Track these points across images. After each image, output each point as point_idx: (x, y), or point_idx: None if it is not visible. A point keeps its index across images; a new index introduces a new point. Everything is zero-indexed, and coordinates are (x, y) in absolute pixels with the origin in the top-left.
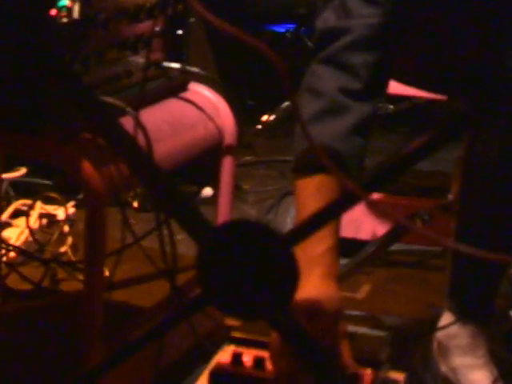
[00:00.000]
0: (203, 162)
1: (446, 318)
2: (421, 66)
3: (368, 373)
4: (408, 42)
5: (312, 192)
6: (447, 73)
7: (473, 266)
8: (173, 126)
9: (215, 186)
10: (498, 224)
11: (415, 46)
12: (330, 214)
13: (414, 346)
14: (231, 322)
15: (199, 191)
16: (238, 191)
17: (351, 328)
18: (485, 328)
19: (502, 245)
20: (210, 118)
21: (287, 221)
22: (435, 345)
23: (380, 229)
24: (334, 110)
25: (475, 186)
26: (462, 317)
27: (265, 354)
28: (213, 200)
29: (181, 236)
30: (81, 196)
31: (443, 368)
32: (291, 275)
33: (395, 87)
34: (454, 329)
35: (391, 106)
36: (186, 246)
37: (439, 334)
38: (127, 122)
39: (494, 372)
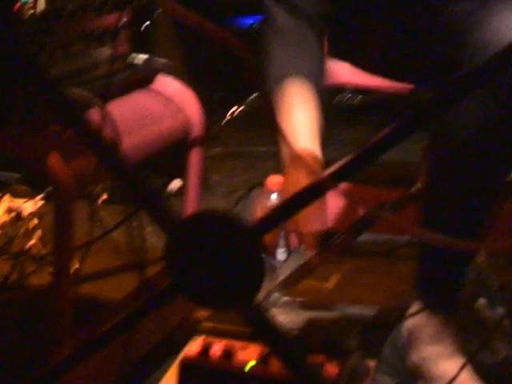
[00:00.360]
0: (171, 153)
1: (415, 308)
2: (384, 53)
3: (335, 362)
4: (371, 28)
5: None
6: (410, 60)
7: (439, 255)
8: (140, 118)
9: (184, 178)
10: (464, 212)
11: (378, 33)
12: (297, 205)
13: (383, 335)
14: (201, 312)
15: (168, 183)
16: (206, 183)
17: (321, 317)
18: (453, 317)
19: (469, 233)
20: (178, 110)
21: (256, 212)
22: (405, 334)
23: (349, 219)
24: (291, 40)
25: (441, 173)
26: (431, 306)
27: (235, 343)
28: (181, 192)
29: (150, 228)
30: (49, 189)
31: (413, 357)
32: (259, 265)
33: (363, 79)
34: (423, 319)
35: (359, 96)
36: (155, 238)
37: (409, 324)
38: (94, 114)
39: (463, 360)
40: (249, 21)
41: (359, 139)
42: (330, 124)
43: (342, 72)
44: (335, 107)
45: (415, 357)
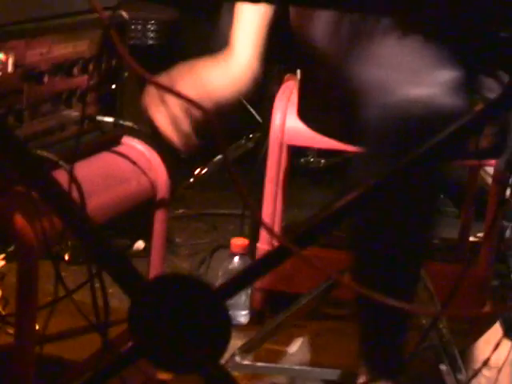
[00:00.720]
0: (136, 214)
1: (362, 376)
2: (333, 117)
3: None
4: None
5: None
6: (349, 123)
7: (375, 319)
8: (106, 180)
9: (147, 239)
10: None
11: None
12: (261, 269)
13: None
14: (163, 376)
15: (132, 244)
16: (170, 244)
17: (283, 381)
18: (398, 381)
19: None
20: (143, 172)
21: (219, 274)
22: None
23: (312, 282)
24: None
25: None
26: (374, 372)
27: None
28: (145, 253)
29: (113, 289)
30: (11, 248)
31: None
32: (223, 328)
33: (326, 142)
34: None
35: (322, 160)
36: (118, 300)
37: None
38: (61, 176)
39: None
40: None
41: (324, 201)
42: (295, 186)
43: (307, 135)
44: (300, 169)
45: None
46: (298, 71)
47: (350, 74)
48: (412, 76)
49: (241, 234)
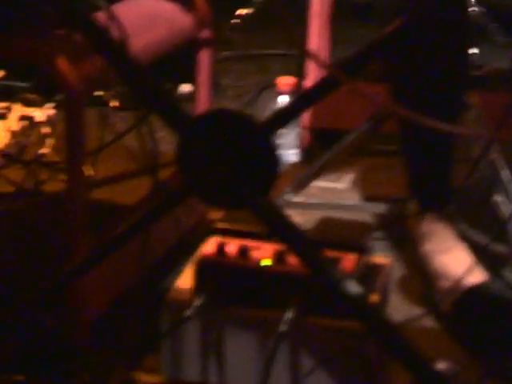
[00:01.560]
0: (180, 58)
1: (412, 207)
2: None
3: (352, 257)
4: None
5: None
6: None
7: (423, 150)
8: (148, 20)
9: (194, 82)
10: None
11: None
12: (310, 100)
13: (393, 232)
14: (214, 214)
15: (177, 88)
16: (216, 86)
17: (335, 216)
18: (445, 213)
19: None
20: (187, 10)
21: (266, 114)
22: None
23: (359, 118)
24: None
25: None
26: (423, 205)
27: (249, 243)
28: (192, 96)
29: (162, 133)
30: (60, 97)
31: (417, 252)
32: (271, 163)
33: None
34: (418, 217)
35: None
36: (166, 144)
37: (409, 222)
38: (101, 16)
39: (461, 254)
40: None
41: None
42: (340, 22)
43: None
44: (345, 5)
45: (418, 252)
46: None
47: None
48: None
49: (287, 73)
